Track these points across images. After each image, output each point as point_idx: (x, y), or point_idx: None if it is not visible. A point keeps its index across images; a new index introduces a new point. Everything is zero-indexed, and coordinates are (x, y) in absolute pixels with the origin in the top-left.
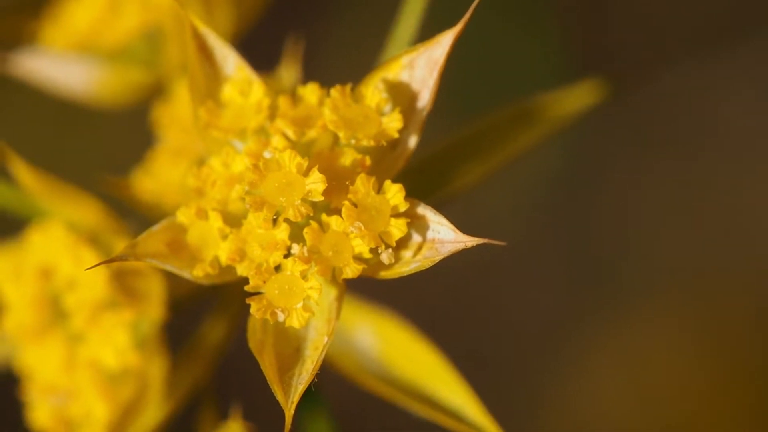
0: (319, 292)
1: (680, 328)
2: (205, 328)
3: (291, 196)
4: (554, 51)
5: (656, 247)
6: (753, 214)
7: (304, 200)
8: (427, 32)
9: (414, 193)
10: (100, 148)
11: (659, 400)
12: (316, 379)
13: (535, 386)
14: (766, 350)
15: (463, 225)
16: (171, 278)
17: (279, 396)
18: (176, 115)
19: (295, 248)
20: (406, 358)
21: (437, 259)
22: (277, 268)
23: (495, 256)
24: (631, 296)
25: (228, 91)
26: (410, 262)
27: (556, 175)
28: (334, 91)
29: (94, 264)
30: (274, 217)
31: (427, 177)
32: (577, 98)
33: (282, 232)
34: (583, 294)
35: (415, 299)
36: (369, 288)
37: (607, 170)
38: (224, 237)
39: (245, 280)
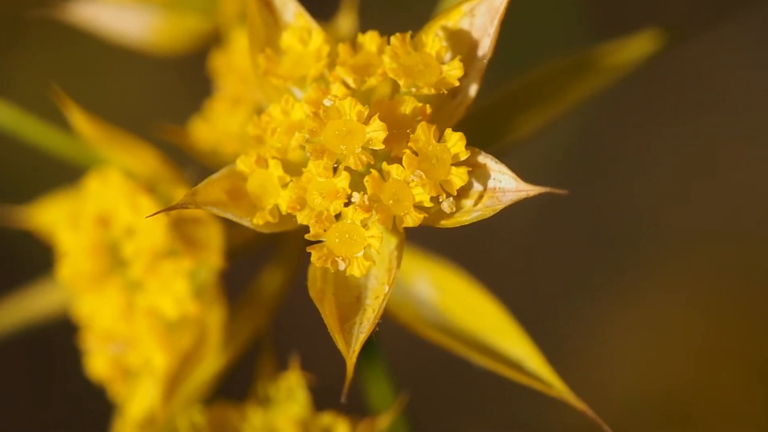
0: (379, 241)
1: (691, 295)
2: (263, 278)
3: (351, 145)
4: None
5: (667, 216)
6: (763, 183)
7: (364, 148)
8: None
9: (471, 144)
10: (158, 96)
11: (669, 367)
12: (377, 329)
13: (547, 354)
14: None
15: None
16: (229, 226)
17: (340, 345)
18: (234, 63)
19: (356, 197)
20: (466, 308)
21: (498, 208)
22: (338, 217)
23: (505, 222)
24: (643, 264)
25: (287, 39)
26: (471, 211)
27: (569, 145)
28: (394, 39)
29: (152, 212)
30: (335, 165)
31: (483, 128)
32: (634, 48)
33: (342, 181)
34: (594, 263)
35: None
36: None
37: (618, 140)
38: (284, 185)
39: (305, 229)
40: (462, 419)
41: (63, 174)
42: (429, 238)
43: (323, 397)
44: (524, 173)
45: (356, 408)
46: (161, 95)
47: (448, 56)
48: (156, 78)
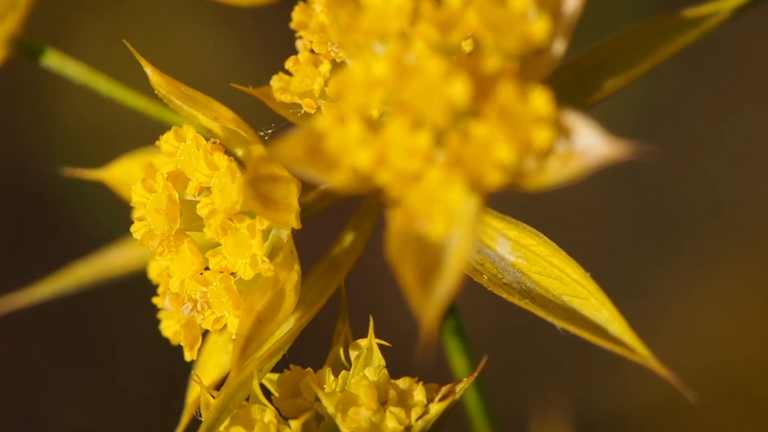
0: (461, 201)
1: (759, 274)
2: (339, 239)
3: (433, 102)
4: None
5: (739, 195)
6: None
7: (447, 106)
8: None
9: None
10: (230, 54)
11: (734, 343)
12: (456, 292)
13: None
14: None
15: None
16: (304, 188)
17: (418, 308)
18: (315, 18)
19: (437, 155)
20: (547, 271)
21: (585, 169)
22: (418, 176)
23: (569, 197)
24: (710, 243)
25: None
26: (556, 173)
27: (635, 121)
28: None
29: (228, 170)
30: (416, 123)
31: (566, 87)
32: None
33: (424, 139)
34: (658, 240)
35: None
36: None
37: (689, 117)
38: (364, 143)
39: (383, 188)
40: (528, 389)
41: (141, 135)
42: (500, 208)
43: (395, 364)
44: None
45: (429, 374)
46: (235, 53)
47: (534, 12)
48: (233, 35)
